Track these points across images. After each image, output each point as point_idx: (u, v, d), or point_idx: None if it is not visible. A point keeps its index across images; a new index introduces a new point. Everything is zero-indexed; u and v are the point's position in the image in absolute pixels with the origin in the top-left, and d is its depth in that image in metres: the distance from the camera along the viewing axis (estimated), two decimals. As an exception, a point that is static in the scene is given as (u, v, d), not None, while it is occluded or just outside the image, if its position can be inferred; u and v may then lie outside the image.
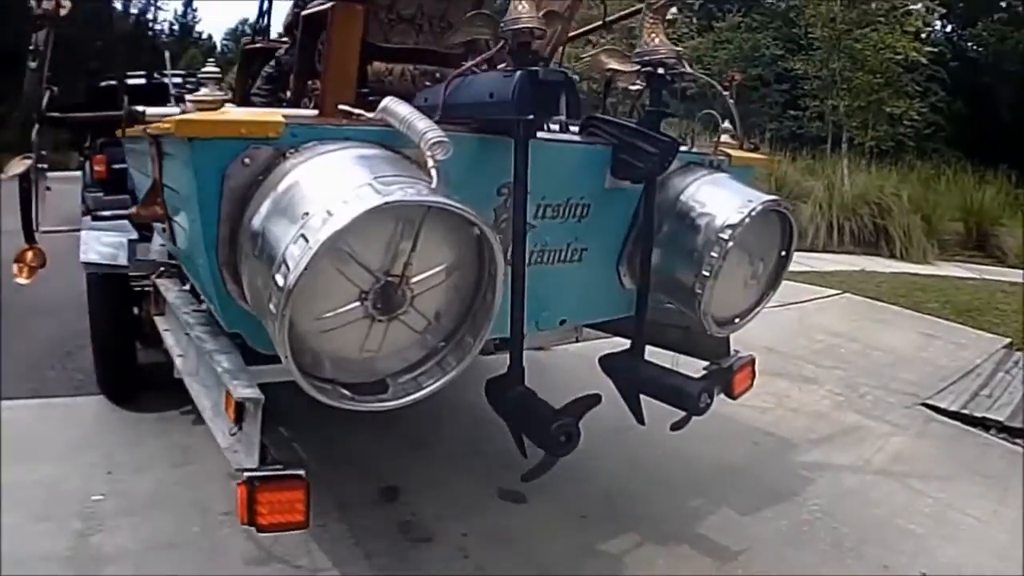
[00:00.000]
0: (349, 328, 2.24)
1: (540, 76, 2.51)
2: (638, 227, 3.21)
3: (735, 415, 4.83)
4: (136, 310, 4.63)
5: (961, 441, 5.26)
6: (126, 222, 4.38)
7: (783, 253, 3.51)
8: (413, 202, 2.08)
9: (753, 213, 3.10)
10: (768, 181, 12.71)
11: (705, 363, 3.72)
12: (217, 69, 2.44)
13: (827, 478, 4.48)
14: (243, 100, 4.23)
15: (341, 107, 2.52)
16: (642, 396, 3.38)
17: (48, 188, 3.58)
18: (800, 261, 10.04)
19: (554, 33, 3.33)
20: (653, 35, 3.02)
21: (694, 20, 22.45)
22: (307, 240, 2.00)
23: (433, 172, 2.18)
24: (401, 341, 2.38)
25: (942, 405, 5.72)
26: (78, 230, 4.59)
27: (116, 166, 5.51)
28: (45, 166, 3.54)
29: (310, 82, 3.35)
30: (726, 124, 3.69)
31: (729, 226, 3.07)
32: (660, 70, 3.02)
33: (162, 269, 3.82)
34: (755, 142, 14.67)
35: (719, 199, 3.20)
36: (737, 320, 3.50)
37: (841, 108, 16.31)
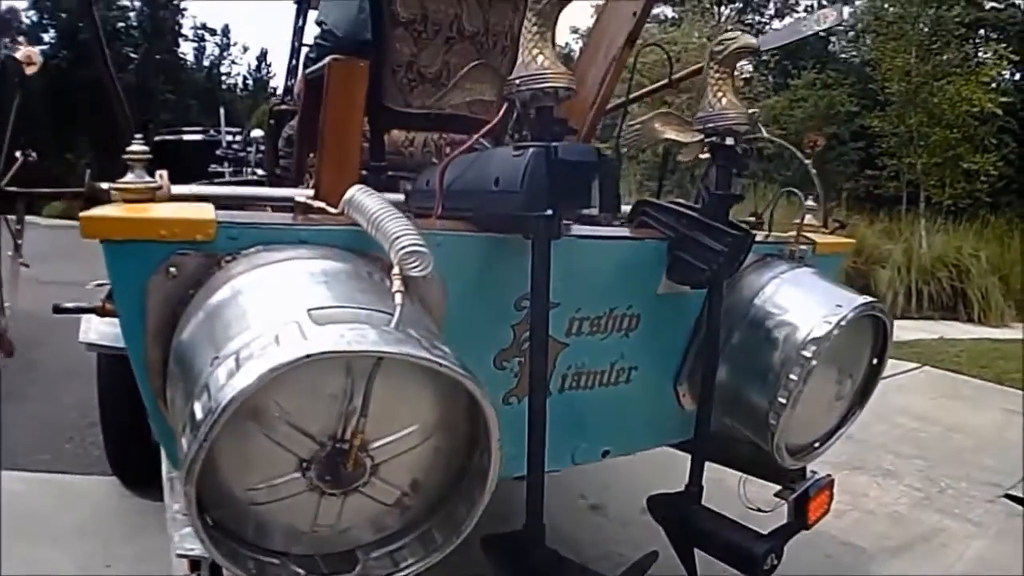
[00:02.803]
0: (291, 501, 1.56)
1: (559, 155, 1.75)
2: (700, 340, 2.46)
3: (809, 520, 4.04)
4: None
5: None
6: None
7: (875, 361, 2.75)
8: (345, 354, 1.38)
9: (843, 323, 2.35)
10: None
11: (777, 487, 2.99)
12: (145, 148, 1.76)
13: (907, 598, 3.70)
14: (272, 163, 3.68)
15: (299, 199, 1.85)
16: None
17: (25, 265, 2.97)
18: (879, 332, 9.39)
19: (596, 96, 2.61)
20: (720, 94, 2.26)
21: (770, 78, 21.61)
22: (209, 397, 1.34)
23: (397, 299, 1.47)
24: (368, 512, 1.69)
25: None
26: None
27: None
28: (20, 242, 2.92)
29: (312, 155, 2.68)
30: (809, 202, 2.92)
31: (813, 340, 2.32)
32: (729, 140, 2.27)
33: None
34: (834, 204, 13.81)
35: (802, 304, 2.45)
36: (817, 445, 2.74)
37: (919, 166, 15.33)
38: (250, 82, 43.31)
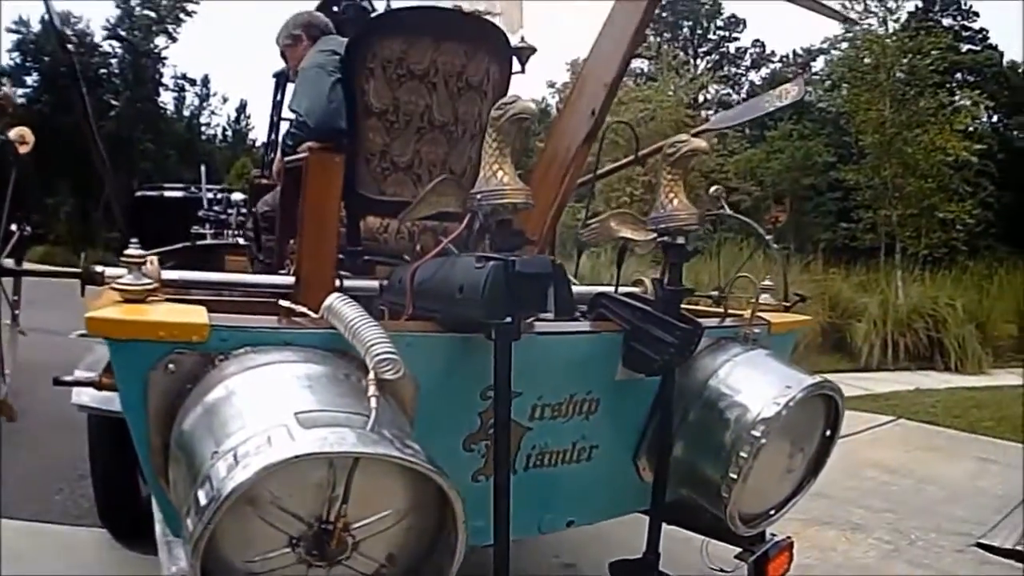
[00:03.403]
0: (283, 571, 1.76)
1: (517, 268, 1.95)
2: (657, 421, 2.68)
3: (777, 575, 4.18)
4: None
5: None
6: None
7: (827, 434, 2.95)
8: (328, 455, 1.61)
9: (791, 404, 2.56)
10: (822, 300, 12.18)
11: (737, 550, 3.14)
12: (141, 253, 1.97)
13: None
14: (255, 243, 3.87)
15: (283, 304, 2.05)
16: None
17: (22, 333, 3.15)
18: (854, 384, 9.73)
19: (555, 197, 2.84)
20: (672, 195, 2.49)
21: (746, 130, 21.92)
22: (212, 487, 1.57)
23: (373, 403, 1.68)
24: None
25: (995, 543, 5.11)
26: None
27: None
28: (17, 312, 3.11)
29: (292, 242, 2.88)
30: (766, 282, 3.14)
31: (763, 420, 2.53)
32: (680, 239, 2.51)
33: None
34: (811, 257, 14.07)
35: (754, 385, 2.66)
36: (772, 513, 2.93)
37: (894, 218, 15.63)
38: (229, 133, 43.65)
